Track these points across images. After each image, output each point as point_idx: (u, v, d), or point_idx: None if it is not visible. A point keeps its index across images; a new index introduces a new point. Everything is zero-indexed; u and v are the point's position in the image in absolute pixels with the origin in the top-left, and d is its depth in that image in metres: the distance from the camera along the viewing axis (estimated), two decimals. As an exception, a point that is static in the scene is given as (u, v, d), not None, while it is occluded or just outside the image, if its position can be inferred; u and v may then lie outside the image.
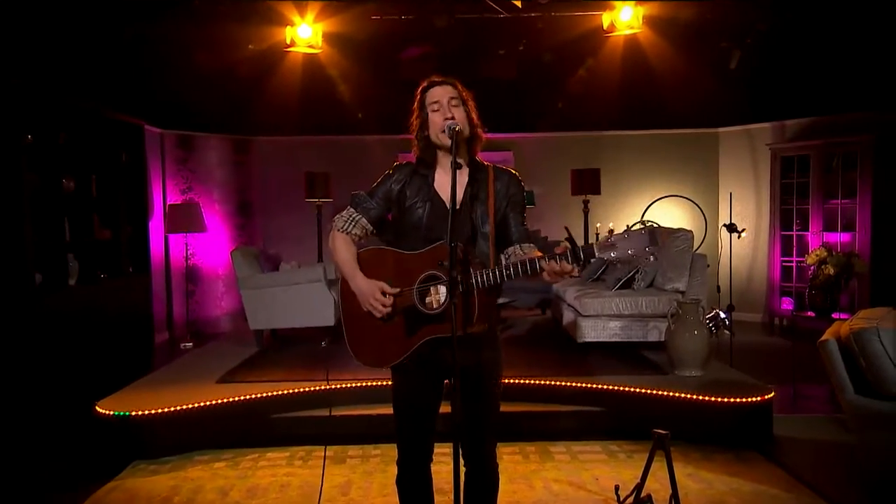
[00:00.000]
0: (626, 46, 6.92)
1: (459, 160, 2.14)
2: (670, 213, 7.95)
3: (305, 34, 6.59)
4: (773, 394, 4.01)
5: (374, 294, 2.12)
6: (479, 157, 2.30)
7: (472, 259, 2.08)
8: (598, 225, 7.75)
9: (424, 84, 2.23)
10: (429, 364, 2.15)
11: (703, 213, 7.73)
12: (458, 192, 2.17)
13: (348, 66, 7.19)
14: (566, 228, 1.99)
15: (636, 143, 8.20)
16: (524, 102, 7.59)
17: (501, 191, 2.23)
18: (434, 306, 2.09)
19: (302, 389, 4.25)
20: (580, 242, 2.00)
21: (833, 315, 4.90)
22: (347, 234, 2.24)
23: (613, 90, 7.39)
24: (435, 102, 2.17)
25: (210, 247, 7.48)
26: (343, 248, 2.23)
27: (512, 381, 4.32)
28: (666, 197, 7.88)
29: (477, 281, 2.04)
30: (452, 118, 2.14)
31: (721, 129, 8.06)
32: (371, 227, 2.26)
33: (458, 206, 2.14)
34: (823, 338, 3.12)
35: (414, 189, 2.21)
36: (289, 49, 6.72)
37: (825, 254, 4.76)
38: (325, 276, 5.56)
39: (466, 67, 7.05)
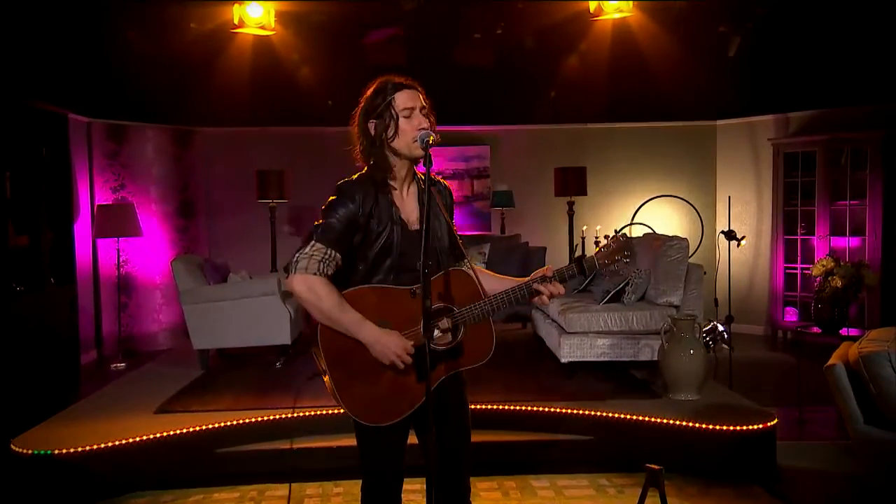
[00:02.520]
0: (615, 31, 7.00)
1: (412, 180, 2.20)
2: (663, 215, 8.05)
3: (255, 13, 6.54)
4: (776, 420, 4.08)
5: (400, 345, 2.07)
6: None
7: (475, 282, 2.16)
8: (585, 228, 7.82)
9: (384, 83, 2.20)
10: None
11: (700, 215, 7.84)
12: (417, 211, 2.21)
13: (305, 51, 7.15)
14: (579, 259, 2.24)
15: (626, 137, 8.29)
16: (502, 92, 7.63)
17: (444, 204, 2.28)
18: (445, 340, 2.16)
19: (254, 419, 4.21)
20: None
21: (841, 331, 5.01)
22: (324, 276, 2.10)
23: (601, 79, 7.46)
24: (407, 108, 2.16)
25: (146, 253, 7.36)
26: (333, 297, 2.08)
27: (488, 406, 4.33)
28: (658, 197, 7.97)
29: (485, 310, 2.16)
30: (426, 127, 2.15)
31: (719, 122, 8.19)
32: (341, 261, 2.16)
33: (424, 227, 2.14)
34: (830, 362, 3.20)
35: (381, 212, 2.17)
36: (237, 30, 6.65)
37: (832, 264, 4.87)
38: (279, 288, 5.52)
39: (438, 53, 7.06)
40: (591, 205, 8.03)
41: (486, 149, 8.25)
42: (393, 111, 2.16)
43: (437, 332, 2.15)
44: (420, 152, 2.13)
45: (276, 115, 7.85)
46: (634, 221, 7.92)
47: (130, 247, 7.20)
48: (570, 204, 7.44)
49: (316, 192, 7.85)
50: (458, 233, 2.35)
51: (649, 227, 7.71)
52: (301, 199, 7.61)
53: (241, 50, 7.06)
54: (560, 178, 7.41)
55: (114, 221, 6.64)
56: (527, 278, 2.23)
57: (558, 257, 7.78)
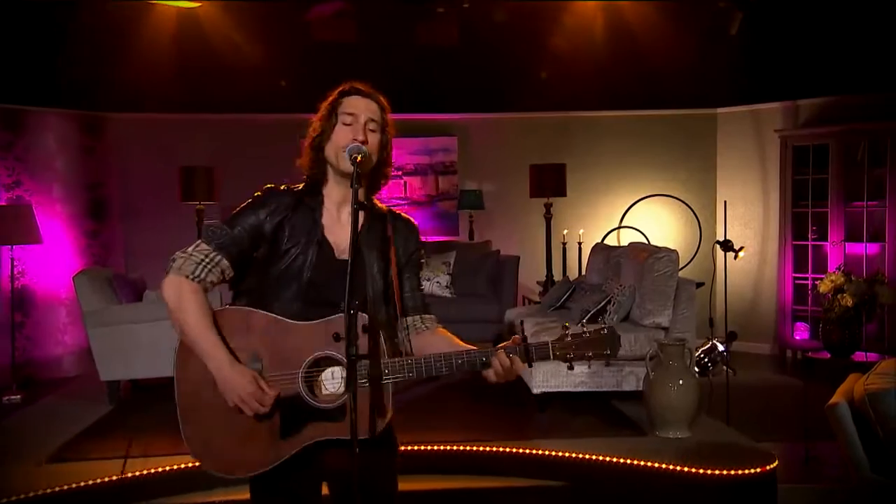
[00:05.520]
0: (601, 6, 7.02)
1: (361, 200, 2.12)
2: (656, 217, 8.12)
3: (177, -19, 6.47)
4: (776, 462, 4.12)
5: (249, 389, 1.99)
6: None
7: (385, 334, 2.08)
8: (566, 232, 7.84)
9: (345, 87, 2.22)
10: (302, 468, 2.10)
11: (698, 218, 7.92)
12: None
13: (237, 27, 7.08)
14: (521, 323, 2.11)
15: (613, 127, 8.34)
16: (470, 75, 7.62)
17: (400, 244, 2.26)
18: (325, 397, 2.05)
19: (169, 467, 4.13)
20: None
21: (854, 356, 5.08)
22: (200, 282, 2.08)
23: (584, 61, 7.50)
24: (350, 115, 2.16)
25: (48, 262, 7.24)
26: (197, 309, 2.05)
27: (445, 447, 4.32)
28: (650, 197, 8.03)
29: (395, 370, 2.04)
30: (364, 141, 2.14)
31: (720, 110, 8.27)
32: (231, 273, 2.13)
33: (354, 258, 2.10)
34: (833, 401, 3.23)
35: (296, 226, 2.15)
36: (156, 1, 6.57)
37: (842, 280, 4.93)
38: (203, 308, 5.45)
39: (395, 31, 7.03)
40: (574, 206, 8.07)
41: (453, 140, 8.24)
42: (335, 114, 2.17)
43: (322, 384, 2.07)
44: (347, 166, 2.10)
45: (204, 100, 7.77)
46: (623, 225, 7.98)
47: (28, 255, 7.06)
48: (548, 206, 7.46)
49: (251, 192, 7.76)
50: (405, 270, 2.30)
51: (640, 231, 7.78)
52: (233, 199, 7.41)
53: (161, 25, 7.00)
54: (536, 177, 7.42)
55: (7, 226, 6.49)
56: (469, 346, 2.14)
57: (534, 268, 7.79)
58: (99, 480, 4.00)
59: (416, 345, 2.23)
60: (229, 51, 7.33)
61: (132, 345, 5.43)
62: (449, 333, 2.26)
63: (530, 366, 2.09)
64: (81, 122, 7.60)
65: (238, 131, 7.98)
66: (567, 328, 2.11)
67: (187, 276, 2.07)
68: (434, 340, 2.23)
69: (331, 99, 2.21)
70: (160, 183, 7.73)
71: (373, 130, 2.17)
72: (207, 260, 2.09)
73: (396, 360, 2.07)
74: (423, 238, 2.39)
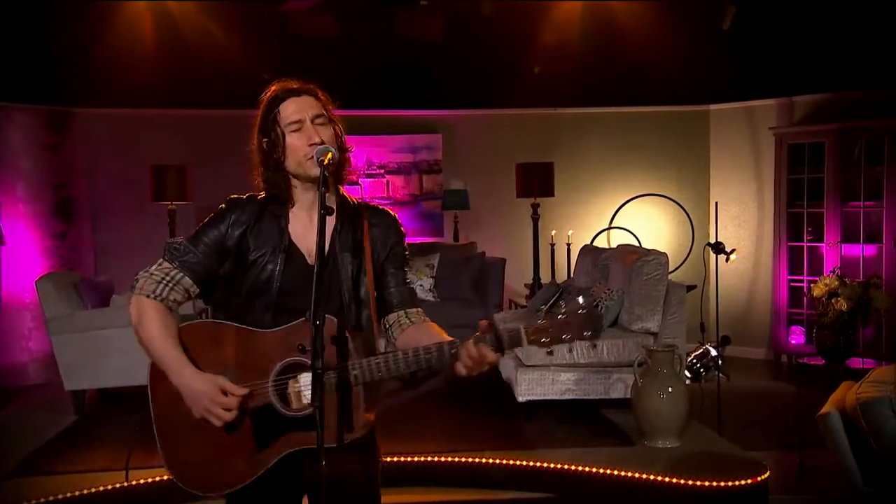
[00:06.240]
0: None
1: (329, 204, 2.11)
2: (648, 217, 8.14)
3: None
4: (767, 473, 4.15)
5: (212, 395, 2.01)
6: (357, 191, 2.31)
7: (352, 339, 2.07)
8: (554, 233, 7.85)
9: (274, 92, 2.18)
10: (280, 481, 2.11)
11: (690, 218, 7.95)
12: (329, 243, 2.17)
13: (212, 18, 7.05)
14: (491, 321, 2.05)
15: (603, 124, 8.35)
16: (455, 70, 7.61)
17: (379, 239, 2.25)
18: (297, 406, 2.06)
19: (136, 482, 4.11)
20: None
21: (851, 362, 5.12)
22: (162, 300, 2.11)
23: (573, 55, 7.49)
24: (295, 122, 2.14)
25: (12, 265, 7.17)
26: (158, 325, 2.08)
27: (427, 458, 4.33)
28: (640, 197, 8.05)
29: (363, 372, 2.04)
30: (322, 142, 2.12)
31: (713, 107, 8.30)
32: (196, 290, 2.16)
33: (317, 265, 2.09)
34: (824, 410, 3.25)
35: (262, 236, 2.16)
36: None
37: (836, 283, 4.97)
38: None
39: (376, 24, 7.01)
40: (562, 206, 8.07)
41: (438, 138, 8.23)
42: (279, 127, 2.15)
43: (293, 393, 2.07)
44: (315, 171, 2.10)
45: (177, 95, 7.70)
46: (613, 226, 8.00)
47: (-9, 258, 7.02)
48: (535, 206, 7.46)
49: (226, 193, 7.70)
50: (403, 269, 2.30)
51: (630, 231, 7.80)
52: (207, 200, 7.45)
53: (131, 17, 6.96)
54: (522, 176, 7.42)
55: (-32, 227, 6.47)
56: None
57: (520, 270, 7.80)
58: (64, 495, 3.98)
59: (399, 343, 2.22)
60: (203, 43, 7.29)
61: (99, 352, 5.41)
62: (436, 327, 2.22)
63: (503, 354, 2.03)
64: (47, 117, 7.53)
65: (212, 128, 7.92)
66: (541, 312, 2.09)
67: (148, 296, 2.11)
68: (417, 336, 2.19)
69: (262, 111, 2.18)
70: (130, 182, 7.66)
71: (322, 124, 2.16)
72: (168, 278, 2.12)
73: (362, 360, 2.05)
74: (406, 239, 2.36)
